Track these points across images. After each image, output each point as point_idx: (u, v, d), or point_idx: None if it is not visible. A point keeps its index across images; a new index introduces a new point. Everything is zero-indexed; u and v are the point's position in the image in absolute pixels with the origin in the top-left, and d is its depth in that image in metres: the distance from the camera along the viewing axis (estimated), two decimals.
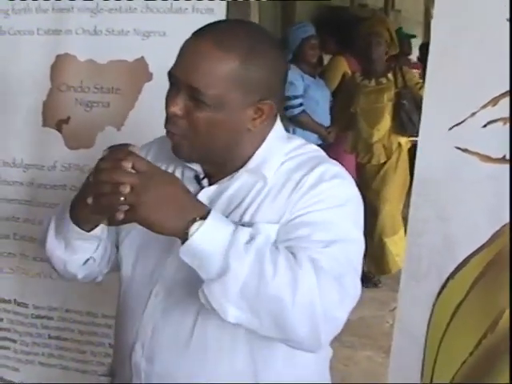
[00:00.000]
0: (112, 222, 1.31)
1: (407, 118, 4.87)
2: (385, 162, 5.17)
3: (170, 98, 1.41)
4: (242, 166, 1.47)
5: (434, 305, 2.04)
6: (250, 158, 1.47)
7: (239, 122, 1.41)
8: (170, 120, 1.42)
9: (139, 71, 2.39)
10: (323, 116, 5.26)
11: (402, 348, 2.14)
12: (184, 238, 1.27)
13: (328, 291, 1.29)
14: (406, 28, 9.17)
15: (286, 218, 1.40)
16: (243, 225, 1.38)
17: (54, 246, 1.56)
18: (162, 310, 1.48)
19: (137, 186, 1.25)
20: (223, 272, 1.26)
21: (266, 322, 1.29)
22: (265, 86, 1.40)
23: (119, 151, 1.31)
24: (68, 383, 2.62)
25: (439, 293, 2.02)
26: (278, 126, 1.52)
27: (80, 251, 1.56)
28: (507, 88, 1.85)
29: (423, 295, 2.05)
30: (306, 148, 1.54)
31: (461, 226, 1.97)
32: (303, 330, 1.30)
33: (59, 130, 2.49)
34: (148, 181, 1.27)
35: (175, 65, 1.40)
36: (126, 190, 1.24)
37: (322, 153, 1.56)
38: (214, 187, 1.48)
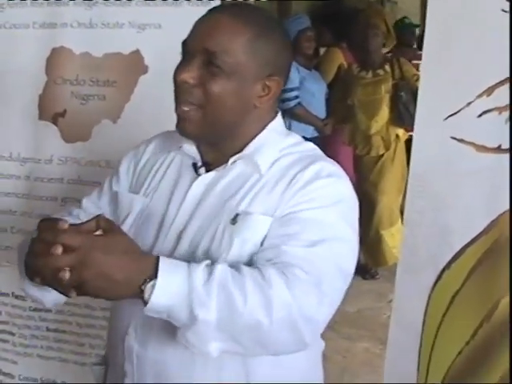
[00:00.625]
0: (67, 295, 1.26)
1: (405, 110, 4.87)
2: (382, 154, 5.18)
3: (181, 67, 1.42)
4: (238, 152, 1.48)
5: (429, 295, 2.04)
6: (246, 145, 1.49)
7: (248, 94, 1.44)
8: (180, 89, 1.42)
9: (135, 64, 2.39)
10: (319, 108, 5.26)
11: (399, 339, 2.15)
12: (143, 300, 1.25)
13: (304, 298, 1.30)
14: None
15: (279, 213, 1.41)
16: (238, 214, 1.42)
17: (26, 286, 1.54)
18: None
19: (76, 266, 1.19)
20: (192, 321, 1.25)
21: (249, 345, 1.32)
22: (275, 61, 1.45)
23: (48, 233, 1.23)
24: (66, 375, 2.63)
25: (435, 283, 2.03)
26: (279, 119, 1.55)
27: (53, 292, 1.48)
28: (502, 77, 1.85)
29: (419, 286, 2.06)
30: (304, 146, 1.56)
31: (457, 217, 1.97)
32: (287, 342, 1.33)
33: (55, 123, 2.49)
34: (86, 256, 1.20)
35: (190, 34, 1.43)
36: (66, 275, 1.19)
37: (319, 151, 1.57)
38: (211, 174, 1.51)
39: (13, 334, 2.67)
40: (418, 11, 12.23)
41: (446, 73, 1.95)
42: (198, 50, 1.40)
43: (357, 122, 5.17)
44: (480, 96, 1.88)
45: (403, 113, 4.92)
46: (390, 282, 4.48)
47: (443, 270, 2.00)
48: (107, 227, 1.29)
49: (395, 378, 2.16)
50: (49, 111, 2.49)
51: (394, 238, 5.12)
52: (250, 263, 1.39)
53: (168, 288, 1.25)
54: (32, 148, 2.52)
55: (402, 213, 5.07)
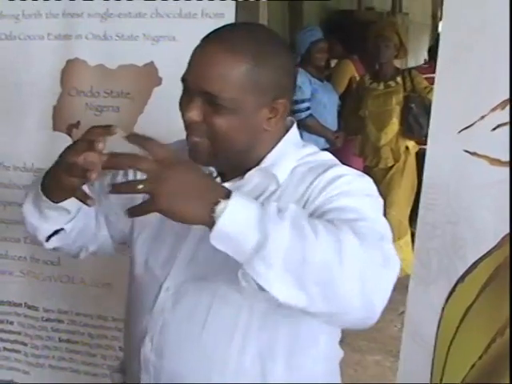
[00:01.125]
0: (133, 212, 1.23)
1: (415, 122, 4.87)
2: (392, 166, 5.17)
3: (185, 104, 1.42)
4: (255, 166, 1.48)
5: (443, 309, 2.03)
6: (263, 158, 1.48)
7: (256, 123, 1.42)
8: (188, 127, 1.43)
9: (149, 76, 2.40)
10: (331, 120, 5.25)
11: (411, 352, 2.14)
12: (211, 223, 1.18)
13: (371, 253, 1.21)
14: (414, 31, 9.15)
15: (309, 209, 1.36)
16: None
17: (29, 212, 1.58)
18: (172, 304, 1.49)
19: (156, 174, 1.18)
20: (262, 243, 1.16)
21: (315, 294, 1.19)
22: (277, 85, 1.41)
23: (139, 137, 1.26)
24: None
25: (448, 296, 2.02)
26: (294, 130, 1.54)
27: (50, 221, 1.57)
28: None
29: (432, 299, 2.05)
30: (320, 155, 1.55)
31: (470, 230, 1.96)
32: (356, 299, 1.21)
33: (69, 134, 2.50)
34: (167, 168, 1.19)
35: (187, 71, 1.41)
36: (140, 186, 1.19)
37: (336, 160, 1.55)
38: (226, 185, 1.44)
39: (25, 345, 2.68)
40: (429, 22, 12.25)
41: (459, 86, 1.94)
42: (196, 90, 1.38)
43: (367, 133, 5.18)
44: (494, 109, 1.88)
45: (413, 125, 4.92)
46: (401, 295, 4.45)
47: (457, 283, 1.99)
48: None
49: None
50: (63, 122, 2.51)
51: (402, 251, 5.08)
52: None
53: (241, 209, 1.18)
54: (46, 159, 2.48)
55: (410, 225, 5.12)
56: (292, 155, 1.50)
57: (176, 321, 1.48)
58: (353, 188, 1.40)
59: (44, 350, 2.66)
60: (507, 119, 1.86)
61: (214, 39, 1.40)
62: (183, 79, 1.42)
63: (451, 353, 2.03)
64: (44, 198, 1.48)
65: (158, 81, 2.40)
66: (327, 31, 5.60)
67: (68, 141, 2.48)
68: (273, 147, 1.49)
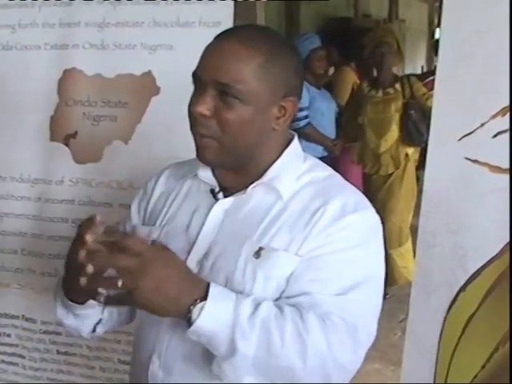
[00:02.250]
0: (108, 302, 1.33)
1: (414, 129, 4.87)
2: (392, 173, 5.17)
3: (195, 99, 1.42)
4: (258, 178, 1.48)
5: (445, 318, 2.01)
6: (265, 171, 1.48)
7: (265, 120, 1.44)
8: (196, 121, 1.42)
9: (146, 85, 2.39)
10: (329, 128, 5.25)
11: (413, 362, 2.12)
12: (188, 320, 1.30)
13: (339, 347, 1.33)
14: (410, 38, 9.16)
15: (305, 251, 1.40)
16: (261, 248, 1.41)
17: (64, 316, 1.59)
18: (178, 322, 1.46)
19: (135, 270, 1.25)
20: (231, 353, 1.29)
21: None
22: (288, 83, 1.44)
23: (114, 232, 1.33)
24: None
25: (450, 306, 2.00)
26: (296, 143, 1.54)
27: (86, 318, 1.59)
28: None
29: (434, 308, 2.03)
30: (322, 170, 1.55)
31: (471, 238, 1.95)
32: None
33: (67, 144, 2.48)
34: (146, 264, 1.26)
35: (200, 65, 1.43)
36: (119, 283, 1.25)
37: (339, 178, 1.56)
38: (229, 199, 1.50)
39: (23, 357, 2.66)
40: (425, 29, 12.28)
41: (460, 93, 1.93)
42: (209, 81, 1.39)
43: (366, 140, 5.17)
44: (494, 116, 1.87)
45: (413, 132, 4.92)
46: (401, 302, 4.47)
47: (458, 292, 1.97)
48: (164, 247, 1.36)
49: None
50: (60, 132, 2.49)
51: (403, 258, 5.09)
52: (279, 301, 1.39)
53: (215, 313, 1.29)
54: (43, 169, 2.52)
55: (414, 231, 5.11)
56: (294, 169, 1.50)
57: (182, 338, 1.44)
58: (351, 233, 1.42)
59: (42, 362, 2.63)
60: (508, 126, 1.85)
61: (229, 35, 1.45)
62: (194, 74, 1.43)
63: (454, 362, 2.01)
64: (71, 303, 1.51)
65: (156, 90, 2.39)
66: (324, 38, 5.60)
67: (65, 151, 2.48)
68: (275, 160, 1.49)
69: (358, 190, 1.53)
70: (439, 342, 2.03)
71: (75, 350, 2.60)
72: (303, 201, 1.45)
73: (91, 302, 1.49)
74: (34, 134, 2.50)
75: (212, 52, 1.42)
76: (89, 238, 1.31)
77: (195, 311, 1.28)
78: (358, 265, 1.41)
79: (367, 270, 1.43)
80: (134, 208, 1.70)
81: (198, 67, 1.43)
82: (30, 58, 2.47)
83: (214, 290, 1.31)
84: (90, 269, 1.27)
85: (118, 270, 1.25)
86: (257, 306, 1.32)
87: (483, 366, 1.94)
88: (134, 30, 2.38)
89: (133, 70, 2.39)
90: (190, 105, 1.43)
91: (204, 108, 1.39)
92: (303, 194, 1.47)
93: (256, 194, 1.48)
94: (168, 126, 2.32)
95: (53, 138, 2.50)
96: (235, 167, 1.49)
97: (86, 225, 1.35)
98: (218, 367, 1.33)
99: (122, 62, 2.39)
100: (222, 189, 1.52)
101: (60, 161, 2.49)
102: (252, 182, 1.47)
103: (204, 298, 1.29)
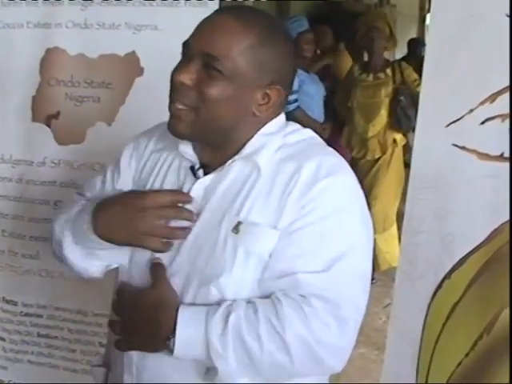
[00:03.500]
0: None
1: (403, 115, 4.87)
2: (378, 158, 5.16)
3: (180, 67, 1.40)
4: (237, 153, 1.45)
5: (429, 305, 2.01)
6: (244, 145, 1.45)
7: (247, 102, 1.41)
8: (176, 89, 1.40)
9: (130, 66, 2.35)
10: (317, 111, 5.23)
11: (397, 348, 2.12)
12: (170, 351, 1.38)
13: (323, 330, 1.34)
14: (401, 23, 9.13)
15: (283, 224, 1.38)
16: (240, 222, 1.39)
17: (74, 254, 1.56)
18: None
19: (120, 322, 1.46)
20: (215, 371, 1.35)
21: (276, 378, 1.40)
22: (276, 70, 1.41)
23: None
24: (57, 382, 2.59)
25: (435, 292, 2.00)
26: (280, 118, 1.50)
27: (103, 259, 1.57)
28: (506, 84, 1.82)
29: (418, 295, 2.03)
30: (302, 133, 1.53)
31: (458, 225, 1.94)
32: (313, 371, 1.42)
33: (49, 125, 2.45)
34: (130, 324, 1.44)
35: (192, 35, 1.41)
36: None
37: (318, 139, 1.54)
38: (209, 177, 1.47)
39: (3, 340, 2.64)
40: (416, 14, 12.25)
41: (448, 79, 1.93)
42: (198, 52, 1.38)
43: (354, 124, 5.17)
44: (483, 103, 1.86)
45: (401, 118, 4.91)
46: (386, 287, 4.48)
47: (443, 279, 1.97)
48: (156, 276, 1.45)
49: None
50: (42, 113, 2.46)
51: (387, 243, 5.10)
52: (259, 283, 1.40)
53: (187, 343, 1.36)
54: (25, 150, 2.49)
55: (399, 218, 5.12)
56: (275, 140, 1.46)
57: None
58: (327, 200, 1.40)
59: (23, 345, 2.62)
60: (496, 113, 1.84)
61: (226, 11, 1.43)
62: (185, 43, 1.41)
63: (437, 350, 2.01)
64: (103, 241, 1.48)
65: (140, 71, 2.36)
66: (314, 22, 5.57)
67: (47, 132, 2.45)
68: (254, 134, 1.46)
69: (335, 152, 1.49)
70: (423, 329, 2.03)
71: (56, 333, 2.58)
72: (275, 165, 1.42)
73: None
74: (15, 114, 2.47)
75: (207, 24, 1.41)
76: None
77: (171, 343, 1.36)
78: (338, 234, 1.39)
79: (349, 238, 1.40)
80: (124, 163, 1.64)
81: (190, 37, 1.41)
82: (12, 37, 2.43)
83: (181, 317, 1.37)
84: None
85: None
86: (226, 317, 1.34)
87: (467, 354, 1.94)
88: (118, 9, 2.33)
89: (116, 50, 2.36)
90: (173, 72, 1.41)
91: (187, 78, 1.37)
92: (275, 158, 1.44)
93: (234, 168, 1.45)
94: (152, 107, 2.28)
95: (34, 119, 2.47)
96: (211, 144, 1.47)
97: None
98: (210, 379, 1.39)
99: (106, 41, 2.36)
100: (203, 165, 1.49)
101: (42, 142, 2.47)
102: (231, 157, 1.44)
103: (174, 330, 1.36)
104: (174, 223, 1.44)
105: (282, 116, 1.52)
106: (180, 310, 1.37)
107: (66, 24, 2.37)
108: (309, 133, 1.54)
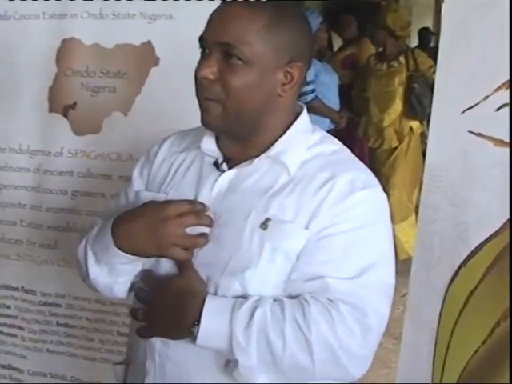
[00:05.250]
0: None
1: (418, 102, 4.85)
2: (396, 147, 5.14)
3: (200, 63, 1.40)
4: (263, 152, 1.45)
5: (446, 293, 2.01)
6: (272, 144, 1.45)
7: (270, 84, 1.41)
8: (201, 85, 1.41)
9: (146, 55, 2.36)
10: (334, 100, 5.23)
11: (413, 336, 2.12)
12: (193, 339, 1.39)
13: (348, 336, 1.34)
14: (417, 13, 9.05)
15: (315, 228, 1.39)
16: (268, 219, 1.40)
17: (97, 273, 1.56)
18: None
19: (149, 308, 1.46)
20: (235, 364, 1.35)
21: (296, 378, 1.39)
22: (294, 47, 1.41)
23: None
24: (76, 370, 2.62)
25: (451, 280, 1.99)
26: (304, 116, 1.51)
27: (126, 274, 1.57)
28: None
29: (435, 283, 2.02)
30: (331, 143, 1.53)
31: (473, 213, 1.93)
32: (333, 376, 1.41)
33: (65, 115, 2.46)
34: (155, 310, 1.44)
35: (206, 29, 1.41)
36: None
37: (348, 151, 1.54)
38: (234, 171, 1.47)
39: (22, 329, 2.65)
40: (432, 3, 12.16)
41: (463, 66, 1.91)
42: (214, 43, 1.38)
43: (370, 114, 5.16)
44: (498, 89, 1.84)
45: (416, 105, 4.90)
46: (403, 277, 4.43)
47: (460, 267, 1.96)
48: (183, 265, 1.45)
49: (410, 375, 2.13)
50: (59, 103, 2.47)
51: (405, 233, 5.07)
52: (286, 284, 1.41)
53: (211, 334, 1.36)
54: (42, 141, 2.50)
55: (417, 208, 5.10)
56: (302, 143, 1.48)
57: None
58: (362, 212, 1.42)
59: (41, 334, 2.63)
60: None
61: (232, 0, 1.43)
62: (201, 38, 1.42)
63: (454, 337, 2.00)
64: (124, 254, 1.49)
65: (156, 61, 2.36)
66: (336, 11, 5.57)
67: (64, 122, 2.46)
68: (282, 133, 1.47)
69: (366, 167, 1.51)
70: (440, 317, 2.02)
71: (74, 322, 2.59)
72: (310, 171, 1.43)
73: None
74: (32, 104, 2.48)
75: (216, 15, 1.41)
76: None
77: (195, 331, 1.37)
78: (369, 245, 1.41)
79: (378, 249, 1.43)
80: (135, 173, 1.67)
81: (204, 31, 1.42)
82: (28, 28, 2.44)
83: (208, 306, 1.37)
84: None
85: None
86: (253, 311, 1.34)
87: (484, 341, 1.94)
88: None
89: (132, 39, 2.36)
90: (196, 69, 1.42)
91: (208, 71, 1.38)
92: (310, 165, 1.45)
93: (262, 166, 1.46)
94: (168, 97, 2.29)
95: (51, 109, 2.47)
96: (240, 137, 1.47)
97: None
98: (229, 373, 1.38)
99: (121, 31, 2.36)
100: (226, 159, 1.50)
101: (59, 132, 2.47)
102: (257, 155, 1.45)
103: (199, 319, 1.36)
104: (194, 230, 1.45)
105: (306, 117, 1.52)
106: (207, 299, 1.37)
107: (81, 14, 2.38)
108: (336, 141, 1.55)
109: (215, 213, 1.46)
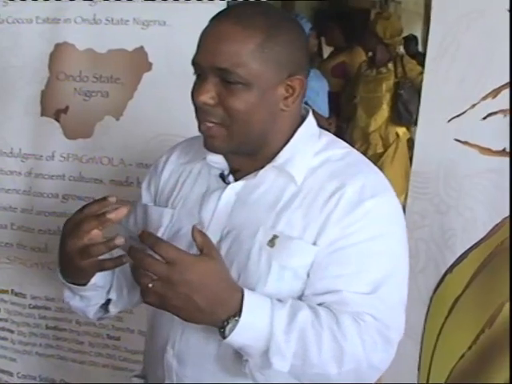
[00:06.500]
0: (144, 299, 1.25)
1: (404, 109, 4.86)
2: (382, 154, 5.16)
3: (197, 88, 1.35)
4: (269, 159, 1.41)
5: (431, 299, 2.02)
6: (277, 153, 1.41)
7: (272, 101, 1.35)
8: (201, 110, 1.35)
9: (139, 61, 2.36)
10: (323, 107, 5.24)
11: (399, 342, 2.13)
12: (220, 331, 1.25)
13: (373, 347, 1.29)
14: (406, 20, 9.08)
15: (324, 242, 1.33)
16: (276, 236, 1.35)
17: (70, 298, 1.55)
18: None
19: (163, 278, 1.20)
20: (265, 366, 1.26)
21: None
22: (291, 60, 1.35)
23: (150, 237, 1.23)
24: (65, 374, 2.62)
25: (437, 287, 2.01)
26: (310, 120, 1.46)
27: (93, 299, 1.55)
28: (507, 80, 1.83)
29: (420, 289, 2.04)
30: (339, 146, 1.48)
31: (459, 220, 1.96)
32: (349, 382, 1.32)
33: (57, 119, 2.46)
34: (175, 274, 1.20)
35: (197, 52, 1.35)
36: (149, 285, 1.21)
37: (356, 153, 1.49)
38: (241, 183, 1.43)
39: (12, 332, 2.66)
40: (421, 11, 12.19)
41: (449, 74, 1.93)
42: (208, 68, 1.32)
43: (356, 118, 5.18)
44: (485, 98, 1.87)
45: (402, 112, 4.90)
46: None
47: (445, 274, 1.98)
48: (204, 245, 1.26)
49: (394, 381, 2.14)
50: (51, 107, 2.47)
51: None
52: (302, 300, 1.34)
53: (249, 330, 1.24)
54: (33, 144, 2.50)
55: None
56: (308, 149, 1.42)
57: (195, 329, 1.41)
58: (372, 222, 1.35)
59: (31, 337, 2.64)
60: (498, 108, 1.85)
61: (224, 16, 1.35)
62: (193, 63, 1.36)
63: (440, 343, 2.02)
64: (72, 286, 1.46)
65: (148, 66, 2.36)
66: (321, 20, 5.58)
67: (56, 126, 2.46)
68: (287, 141, 1.42)
69: (376, 169, 1.45)
70: (425, 323, 2.04)
71: (64, 325, 2.59)
72: (318, 182, 1.38)
73: (93, 284, 1.46)
74: (24, 108, 2.48)
75: (207, 36, 1.34)
76: (113, 216, 1.28)
77: (229, 327, 1.24)
78: (383, 256, 1.35)
79: (392, 261, 1.36)
80: (144, 186, 1.64)
81: (196, 54, 1.36)
82: (21, 32, 2.44)
83: (248, 302, 1.25)
84: (120, 241, 1.26)
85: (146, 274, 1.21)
86: (293, 315, 1.26)
87: (470, 347, 1.96)
88: (126, 4, 2.34)
89: (125, 45, 2.36)
90: (192, 93, 1.37)
91: (207, 97, 1.33)
92: (318, 175, 1.39)
93: (268, 177, 1.41)
94: (160, 102, 2.30)
95: (44, 113, 2.48)
96: (247, 153, 1.43)
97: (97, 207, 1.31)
98: (249, 372, 1.29)
99: (115, 37, 2.36)
100: (232, 171, 1.46)
101: (51, 136, 2.48)
102: (263, 166, 1.41)
103: (239, 311, 1.23)
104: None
105: (312, 118, 1.48)
106: (246, 293, 1.25)
107: (74, 19, 2.38)
108: (343, 145, 1.50)
109: (224, 227, 1.41)
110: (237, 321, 1.23)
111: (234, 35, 1.31)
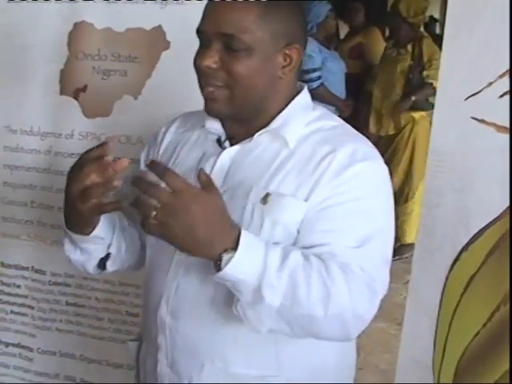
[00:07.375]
0: (145, 229, 1.30)
1: (412, 93, 4.86)
2: (396, 136, 5.15)
3: (201, 54, 1.43)
4: (264, 126, 1.49)
5: (447, 277, 2.03)
6: (272, 119, 1.49)
7: (271, 68, 1.45)
8: (205, 74, 1.43)
9: (157, 40, 2.38)
10: (340, 88, 5.24)
11: (415, 319, 2.14)
12: (216, 263, 1.30)
13: (358, 297, 1.35)
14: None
15: (314, 199, 1.41)
16: (268, 194, 1.42)
17: (71, 251, 1.62)
18: (185, 269, 1.51)
19: (167, 206, 1.25)
20: (257, 301, 1.31)
21: (297, 330, 1.39)
22: (289, 31, 1.45)
23: (158, 166, 1.29)
24: (84, 350, 2.66)
25: (453, 265, 2.01)
26: (304, 93, 1.56)
27: (93, 252, 1.61)
28: None
29: (437, 267, 2.05)
30: (331, 119, 1.56)
31: (476, 198, 1.95)
32: (334, 334, 1.41)
33: (76, 98, 2.49)
34: (180, 202, 1.25)
35: (202, 21, 1.44)
36: (152, 213, 1.25)
37: (347, 126, 1.57)
38: (236, 147, 1.51)
39: (32, 308, 2.69)
40: None
41: (466, 53, 1.93)
42: (213, 35, 1.41)
43: (373, 99, 5.17)
44: (501, 76, 1.86)
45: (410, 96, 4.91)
46: (407, 263, 4.49)
47: (461, 252, 1.99)
48: (207, 184, 1.32)
49: (411, 358, 2.16)
50: (70, 86, 2.49)
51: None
52: None
53: (244, 264, 1.29)
54: (53, 123, 2.53)
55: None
56: (301, 117, 1.51)
57: (189, 285, 1.50)
58: (362, 183, 1.43)
59: (51, 313, 2.67)
60: None
61: None
62: (198, 31, 1.44)
63: (455, 320, 2.03)
64: (74, 235, 1.52)
65: (166, 45, 2.38)
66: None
67: (75, 105, 2.48)
68: (282, 109, 1.50)
69: (367, 140, 1.54)
70: (441, 300, 2.05)
71: (84, 302, 2.63)
72: (310, 146, 1.47)
73: (95, 235, 1.52)
74: (43, 87, 2.50)
75: (213, 6, 1.43)
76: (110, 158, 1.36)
77: (224, 259, 1.29)
78: (370, 215, 1.43)
79: (379, 221, 1.45)
80: (143, 155, 1.73)
81: (200, 23, 1.45)
82: (40, 11, 2.46)
83: (245, 238, 1.31)
84: (118, 183, 1.34)
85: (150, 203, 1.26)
86: (285, 256, 1.33)
87: (484, 325, 1.96)
88: None
89: (143, 24, 2.39)
90: (195, 60, 1.45)
91: (211, 61, 1.41)
92: (311, 141, 1.48)
93: (262, 141, 1.50)
94: (178, 80, 2.31)
95: (63, 92, 2.50)
96: (244, 119, 1.51)
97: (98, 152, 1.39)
98: (240, 310, 1.35)
99: (132, 15, 2.38)
100: (229, 137, 1.54)
101: (70, 115, 2.50)
102: (258, 131, 1.49)
103: (235, 246, 1.29)
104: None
105: (306, 92, 1.56)
106: (242, 231, 1.32)
107: None
108: (337, 119, 1.58)
109: (219, 188, 1.44)
110: (233, 254, 1.28)
111: (237, 4, 1.40)
